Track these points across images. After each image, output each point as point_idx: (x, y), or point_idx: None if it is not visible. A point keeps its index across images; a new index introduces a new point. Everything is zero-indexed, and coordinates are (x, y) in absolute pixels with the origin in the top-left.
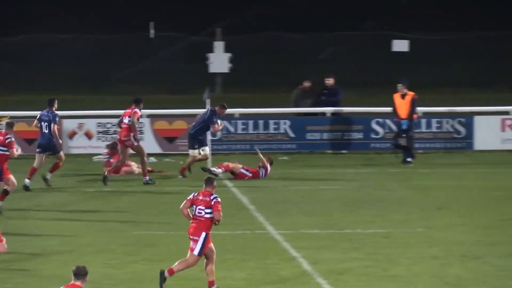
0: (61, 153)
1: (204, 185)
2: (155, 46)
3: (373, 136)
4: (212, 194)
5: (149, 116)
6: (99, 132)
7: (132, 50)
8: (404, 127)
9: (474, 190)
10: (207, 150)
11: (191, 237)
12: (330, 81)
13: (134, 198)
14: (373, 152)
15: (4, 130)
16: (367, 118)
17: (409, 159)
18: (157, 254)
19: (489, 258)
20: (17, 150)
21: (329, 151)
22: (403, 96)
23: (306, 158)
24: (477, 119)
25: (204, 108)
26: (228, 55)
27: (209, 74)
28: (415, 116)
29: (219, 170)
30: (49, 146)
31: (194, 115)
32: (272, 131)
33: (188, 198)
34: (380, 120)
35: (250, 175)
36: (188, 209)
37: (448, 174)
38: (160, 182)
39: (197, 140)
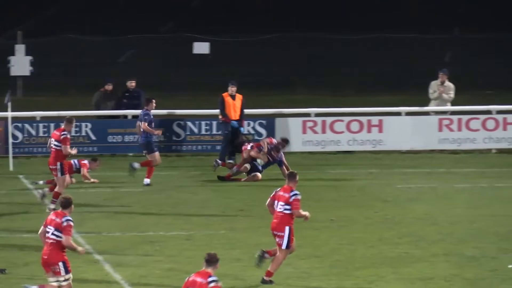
0: (156, 153)
1: (287, 180)
2: None
3: (175, 138)
4: (292, 191)
5: None
6: None
7: None
8: (236, 128)
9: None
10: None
11: (274, 232)
12: (132, 83)
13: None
14: (175, 155)
15: (63, 126)
16: (168, 120)
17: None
18: None
19: (292, 259)
20: (72, 149)
21: (131, 154)
22: (233, 97)
23: (107, 160)
24: (278, 120)
25: (6, 111)
26: (29, 58)
27: (10, 77)
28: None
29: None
30: (143, 145)
31: None
32: (73, 134)
33: (271, 195)
34: (181, 122)
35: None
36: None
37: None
38: None
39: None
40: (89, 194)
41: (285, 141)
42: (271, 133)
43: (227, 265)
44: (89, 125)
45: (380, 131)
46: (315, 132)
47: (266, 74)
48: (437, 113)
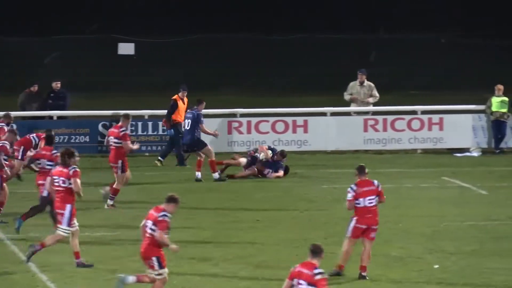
0: (208, 147)
1: (358, 174)
2: None
3: (100, 139)
4: (374, 182)
5: None
6: None
7: None
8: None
9: (200, 192)
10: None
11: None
12: (57, 84)
13: None
14: (100, 156)
15: (120, 123)
16: (93, 121)
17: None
18: None
19: (218, 260)
20: (133, 144)
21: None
22: (183, 101)
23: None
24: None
25: None
26: None
27: None
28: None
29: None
30: (191, 143)
31: None
32: None
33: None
34: (107, 123)
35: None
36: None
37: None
38: None
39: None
40: (15, 194)
41: (282, 155)
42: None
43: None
44: (14, 126)
45: (305, 131)
46: (241, 133)
47: (191, 75)
48: (360, 113)
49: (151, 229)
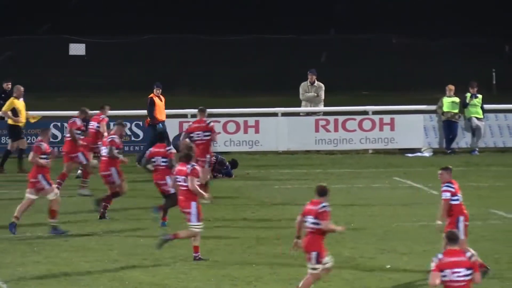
0: None
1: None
2: None
3: (52, 140)
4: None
5: None
6: None
7: None
8: (163, 129)
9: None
10: None
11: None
12: (8, 85)
13: None
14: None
15: (198, 117)
16: (48, 123)
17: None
18: None
19: (169, 261)
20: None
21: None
22: (160, 98)
23: None
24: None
25: None
26: None
27: None
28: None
29: None
30: None
31: None
32: None
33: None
34: (58, 124)
35: None
36: None
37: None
38: None
39: None
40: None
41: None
42: (147, 134)
43: (104, 266)
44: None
45: (257, 131)
46: None
47: (144, 75)
48: (311, 113)
49: (313, 223)
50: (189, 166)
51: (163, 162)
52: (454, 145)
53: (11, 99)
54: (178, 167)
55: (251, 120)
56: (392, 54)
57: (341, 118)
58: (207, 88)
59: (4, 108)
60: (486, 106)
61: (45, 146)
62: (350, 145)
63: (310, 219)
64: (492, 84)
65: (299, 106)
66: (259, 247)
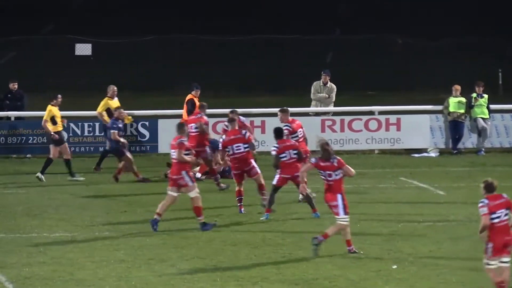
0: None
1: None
2: None
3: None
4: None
5: None
6: None
7: None
8: None
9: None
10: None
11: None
12: (14, 85)
13: None
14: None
15: (232, 128)
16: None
17: None
18: None
19: (175, 261)
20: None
21: (14, 156)
22: (198, 100)
23: None
24: (161, 122)
25: None
26: None
27: None
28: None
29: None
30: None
31: None
32: None
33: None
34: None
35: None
36: None
37: (132, 177)
38: None
39: None
40: None
41: None
42: (154, 134)
43: (110, 266)
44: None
45: (263, 132)
46: None
47: (148, 75)
48: (318, 114)
49: (506, 215)
50: (332, 159)
51: (294, 154)
52: (460, 146)
53: (105, 99)
54: (320, 163)
55: (257, 121)
56: (397, 54)
57: (347, 118)
58: (211, 88)
59: (98, 109)
60: (492, 106)
61: (187, 142)
62: (356, 145)
63: (501, 212)
64: (498, 84)
65: (305, 106)
66: (265, 247)
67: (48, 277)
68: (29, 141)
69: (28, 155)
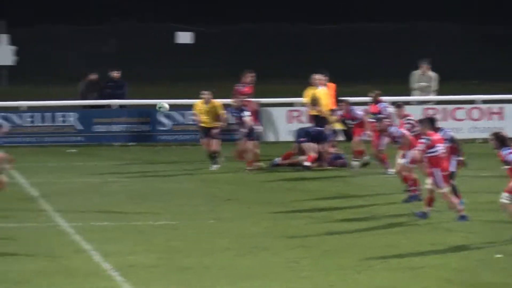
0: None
1: None
2: None
3: (160, 128)
4: None
5: None
6: None
7: None
8: None
9: (256, 182)
10: None
11: None
12: (117, 74)
13: None
14: (161, 144)
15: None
16: (153, 111)
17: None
18: None
19: (278, 249)
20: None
21: (116, 144)
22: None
23: (94, 150)
24: (264, 111)
25: None
26: (13, 47)
27: None
28: None
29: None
30: None
31: None
32: (59, 124)
33: None
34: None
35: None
36: None
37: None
38: None
39: None
40: (76, 184)
41: None
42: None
43: (215, 254)
44: (75, 114)
45: None
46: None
47: (245, 65)
48: (420, 102)
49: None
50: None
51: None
52: None
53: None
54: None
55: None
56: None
57: (449, 107)
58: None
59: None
60: None
61: None
62: (458, 134)
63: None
64: None
65: (405, 95)
66: (368, 237)
67: (153, 264)
68: (132, 129)
69: (130, 143)
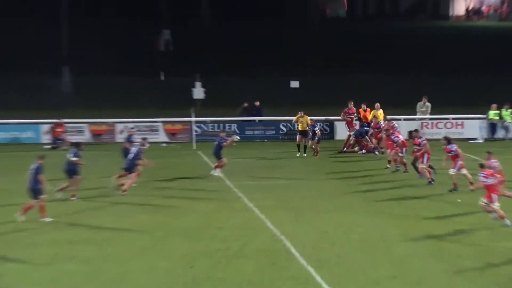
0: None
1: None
2: None
3: (280, 132)
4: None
5: None
6: None
7: None
8: None
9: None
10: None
11: None
12: (257, 103)
13: None
14: (281, 141)
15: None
16: (277, 123)
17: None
18: None
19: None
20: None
21: (257, 140)
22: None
23: (246, 144)
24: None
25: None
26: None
27: None
28: None
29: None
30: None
31: None
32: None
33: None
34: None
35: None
36: None
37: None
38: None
39: None
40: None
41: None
42: None
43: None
44: (235, 125)
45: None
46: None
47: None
48: (420, 119)
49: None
50: None
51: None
52: None
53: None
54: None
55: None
56: None
57: (435, 121)
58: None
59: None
60: None
61: None
62: (439, 137)
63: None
64: None
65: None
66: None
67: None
68: (265, 133)
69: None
